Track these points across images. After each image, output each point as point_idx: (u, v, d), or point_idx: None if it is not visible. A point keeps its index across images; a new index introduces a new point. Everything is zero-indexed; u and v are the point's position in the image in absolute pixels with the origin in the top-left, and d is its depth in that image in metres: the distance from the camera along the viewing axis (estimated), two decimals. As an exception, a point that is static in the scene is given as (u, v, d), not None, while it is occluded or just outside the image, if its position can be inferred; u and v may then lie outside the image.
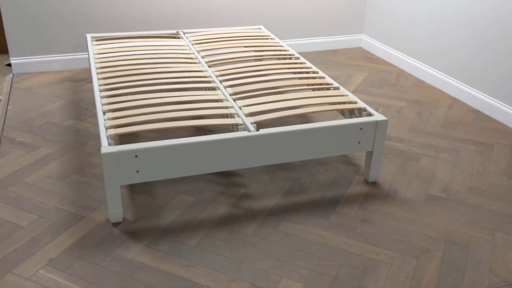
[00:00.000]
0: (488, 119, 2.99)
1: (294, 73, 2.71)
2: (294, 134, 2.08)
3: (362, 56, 4.05)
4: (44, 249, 1.84)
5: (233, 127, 2.16)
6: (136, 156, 1.90)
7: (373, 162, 2.25)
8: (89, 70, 3.61)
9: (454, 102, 3.21)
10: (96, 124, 2.79)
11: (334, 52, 4.16)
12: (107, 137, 1.98)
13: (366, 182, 2.31)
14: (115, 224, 1.99)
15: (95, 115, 2.90)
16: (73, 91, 3.24)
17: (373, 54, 4.10)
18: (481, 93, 3.09)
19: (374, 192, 2.24)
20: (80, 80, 3.42)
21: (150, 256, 1.82)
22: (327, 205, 2.14)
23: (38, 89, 3.25)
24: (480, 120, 2.98)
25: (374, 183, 2.30)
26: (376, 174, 2.28)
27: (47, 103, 3.05)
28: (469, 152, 2.60)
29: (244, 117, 2.15)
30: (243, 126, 2.11)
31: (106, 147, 1.88)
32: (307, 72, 2.71)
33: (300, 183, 2.30)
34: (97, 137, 2.64)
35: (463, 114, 3.05)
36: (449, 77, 3.34)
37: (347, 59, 3.98)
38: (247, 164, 2.07)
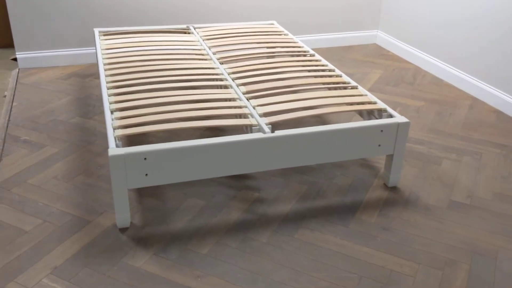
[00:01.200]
0: (511, 119, 2.86)
1: (309, 71, 2.60)
2: (312, 136, 1.97)
3: (377, 53, 3.93)
4: (48, 256, 1.75)
5: (247, 128, 2.05)
6: (145, 158, 1.80)
7: (394, 166, 2.14)
8: (96, 65, 3.51)
9: (474, 102, 3.09)
10: (103, 122, 2.69)
11: (348, 48, 4.03)
12: (115, 138, 1.88)
13: (385, 186, 2.20)
14: (122, 230, 1.89)
15: (102, 113, 2.80)
16: (80, 87, 3.14)
17: (388, 51, 3.98)
18: (502, 92, 2.96)
19: (394, 197, 2.13)
20: (87, 75, 3.33)
21: (159, 265, 1.73)
22: (345, 211, 2.03)
23: (44, 85, 3.16)
24: (502, 120, 2.85)
25: (393, 188, 2.19)
26: (396, 178, 2.17)
27: (54, 100, 2.95)
28: (492, 155, 2.49)
29: (258, 118, 2.04)
30: (257, 127, 2.00)
31: (113, 149, 1.78)
32: (323, 70, 2.60)
33: (317, 187, 2.19)
34: (105, 136, 2.54)
35: (484, 114, 2.93)
36: (469, 75, 3.21)
37: (362, 55, 3.86)
38: (262, 167, 1.96)
